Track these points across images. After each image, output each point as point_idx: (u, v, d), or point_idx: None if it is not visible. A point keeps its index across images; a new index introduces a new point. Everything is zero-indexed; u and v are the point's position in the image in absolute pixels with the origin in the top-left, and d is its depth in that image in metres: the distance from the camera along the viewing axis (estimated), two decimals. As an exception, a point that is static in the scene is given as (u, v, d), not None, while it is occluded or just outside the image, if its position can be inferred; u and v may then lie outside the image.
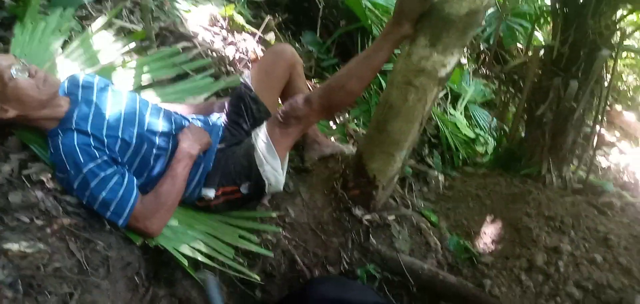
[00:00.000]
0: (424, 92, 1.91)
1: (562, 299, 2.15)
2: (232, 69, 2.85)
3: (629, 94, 6.04)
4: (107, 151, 1.71)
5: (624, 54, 5.54)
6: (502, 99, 3.15)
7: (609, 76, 2.66)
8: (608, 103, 5.36)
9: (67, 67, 2.12)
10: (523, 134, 3.06)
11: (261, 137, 2.02)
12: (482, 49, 5.27)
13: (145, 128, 1.85)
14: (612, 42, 2.60)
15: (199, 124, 2.08)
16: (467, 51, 5.23)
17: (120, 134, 1.76)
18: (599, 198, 3.14)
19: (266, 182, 2.01)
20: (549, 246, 2.33)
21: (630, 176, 4.50)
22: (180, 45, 2.65)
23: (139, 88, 2.30)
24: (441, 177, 2.95)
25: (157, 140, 1.88)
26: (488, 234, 2.48)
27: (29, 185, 1.69)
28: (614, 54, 2.57)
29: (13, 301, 1.39)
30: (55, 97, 1.75)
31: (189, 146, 1.91)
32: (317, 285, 1.82)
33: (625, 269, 2.22)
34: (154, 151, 1.87)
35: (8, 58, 1.67)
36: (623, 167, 4.67)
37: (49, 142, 1.75)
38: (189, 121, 2.05)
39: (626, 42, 3.87)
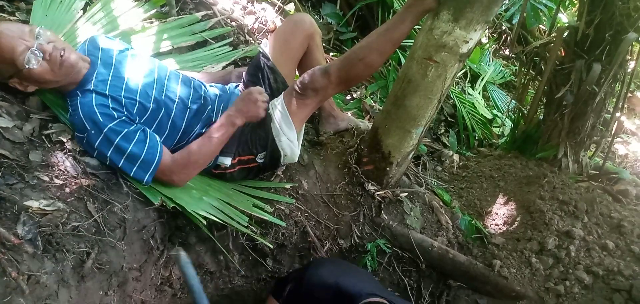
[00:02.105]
0: (445, 68, 1.89)
1: (572, 283, 2.16)
2: (251, 39, 2.84)
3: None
4: (125, 111, 1.73)
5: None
6: (522, 80, 3.10)
7: (633, 61, 2.60)
8: (630, 89, 5.26)
9: (88, 30, 2.13)
10: (541, 117, 3.02)
11: (278, 107, 2.03)
12: (503, 28, 5.17)
13: (164, 93, 1.87)
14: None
15: (217, 92, 2.08)
16: (488, 31, 5.15)
17: (138, 97, 1.78)
18: (615, 185, 3.11)
19: (282, 152, 2.02)
20: (561, 230, 2.32)
21: (648, 164, 4.43)
22: (200, 13, 2.64)
23: (158, 55, 2.31)
24: (456, 157, 2.94)
25: (175, 105, 1.89)
26: (500, 215, 2.48)
27: (49, 145, 1.72)
28: (640, 38, 2.50)
29: (33, 256, 1.43)
30: (73, 71, 1.74)
31: (235, 114, 1.91)
32: (315, 268, 1.82)
33: (637, 256, 2.21)
34: (172, 115, 1.89)
35: (23, 35, 1.63)
36: (640, 155, 4.59)
37: (68, 103, 1.78)
38: (206, 88, 2.06)
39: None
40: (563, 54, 2.77)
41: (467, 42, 1.82)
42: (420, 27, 2.14)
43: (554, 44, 2.66)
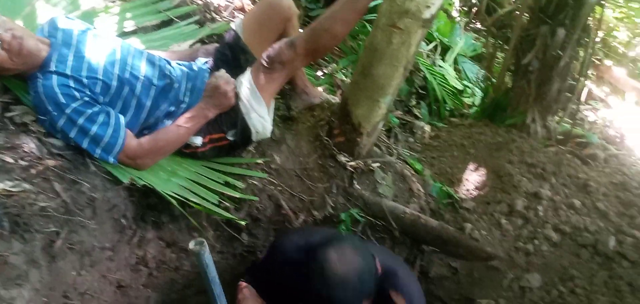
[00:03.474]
0: (408, 34, 1.91)
1: (540, 242, 2.22)
2: (218, 16, 2.82)
3: (620, 50, 6.03)
4: (87, 91, 1.71)
5: (617, 10, 5.52)
6: (490, 49, 3.14)
7: (596, 25, 2.66)
8: (599, 58, 5.38)
9: (48, 12, 2.09)
10: (509, 85, 3.07)
11: (245, 84, 2.02)
12: (474, 1, 5.22)
13: (127, 70, 1.84)
14: (601, -10, 2.60)
15: (184, 69, 2.07)
16: (459, 4, 5.19)
17: (100, 75, 1.76)
18: (584, 149, 3.19)
19: (253, 129, 2.03)
20: (529, 192, 2.39)
21: (617, 130, 4.55)
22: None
23: (122, 34, 2.28)
24: (427, 128, 2.98)
25: (140, 82, 1.88)
26: (471, 181, 2.53)
27: (12, 127, 1.70)
28: (601, 2, 2.56)
29: (0, 236, 1.42)
30: (32, 57, 1.70)
31: (207, 107, 1.93)
32: (284, 238, 1.85)
33: (602, 213, 2.29)
34: (137, 93, 1.87)
35: None
36: (610, 121, 4.71)
37: (29, 85, 1.75)
38: (172, 66, 2.04)
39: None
40: (529, 21, 2.82)
41: (429, 7, 1.85)
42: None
43: (519, 11, 2.70)
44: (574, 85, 2.99)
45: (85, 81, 1.72)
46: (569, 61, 2.72)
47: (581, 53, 2.91)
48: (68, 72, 1.70)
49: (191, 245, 1.57)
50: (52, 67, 1.70)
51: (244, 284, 1.88)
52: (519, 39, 2.82)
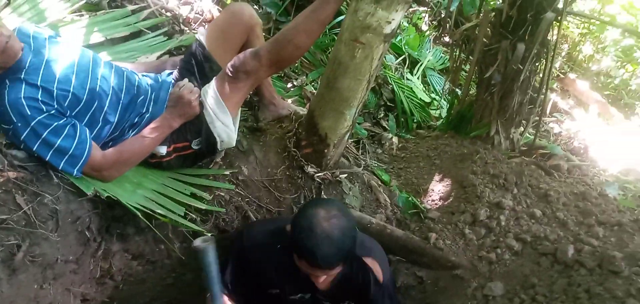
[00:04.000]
0: (371, 48, 1.96)
1: (503, 250, 2.28)
2: (187, 28, 2.83)
3: (583, 65, 6.24)
4: (55, 105, 1.70)
5: (581, 26, 5.72)
6: (455, 62, 3.23)
7: (555, 40, 2.76)
8: (564, 72, 5.56)
9: (14, 22, 2.07)
10: (474, 97, 3.16)
11: (210, 93, 2.03)
12: (443, 15, 5.35)
13: (98, 85, 1.83)
14: (559, 6, 2.70)
15: (149, 81, 2.07)
16: (428, 18, 5.31)
17: (71, 88, 1.74)
18: (548, 160, 3.30)
19: (218, 138, 2.04)
20: (492, 202, 2.45)
21: (581, 142, 4.71)
22: (131, 6, 2.61)
23: (89, 46, 2.27)
24: (395, 140, 3.04)
25: (109, 97, 1.87)
26: (436, 192, 2.59)
27: (-29, 139, 1.68)
28: (559, 17, 2.67)
29: (-44, 251, 1.40)
30: (10, 59, 1.68)
31: (171, 117, 1.93)
32: (249, 229, 1.91)
33: (562, 222, 2.36)
34: (105, 107, 1.87)
35: None
36: (574, 133, 4.87)
37: None
38: (139, 77, 2.04)
39: (576, 8, 4.00)
40: (491, 35, 2.91)
41: (390, 22, 1.90)
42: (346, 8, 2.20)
43: (481, 26, 2.80)
44: (535, 97, 3.09)
45: (55, 92, 1.70)
46: (529, 75, 2.82)
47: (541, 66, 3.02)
48: (38, 82, 1.68)
49: (198, 242, 1.59)
50: (22, 75, 1.67)
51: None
52: (481, 53, 2.91)
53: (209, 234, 1.62)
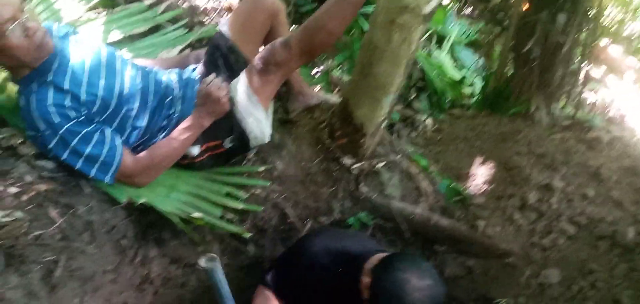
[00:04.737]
0: (409, 30, 1.83)
1: (556, 235, 2.16)
2: (206, 19, 2.73)
3: (612, 29, 5.99)
4: (83, 110, 1.60)
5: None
6: (488, 37, 3.08)
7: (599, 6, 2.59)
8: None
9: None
10: (510, 72, 3.00)
11: (240, 88, 1.93)
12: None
13: (126, 89, 1.74)
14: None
15: (175, 79, 1.98)
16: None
17: (99, 92, 1.65)
18: (587, 133, 3.14)
19: (251, 134, 1.94)
20: (540, 184, 2.32)
21: (616, 111, 4.52)
22: (149, 1, 2.51)
23: (108, 44, 2.18)
24: (429, 121, 2.90)
25: (137, 100, 1.78)
26: (479, 175, 2.46)
27: (-1, 152, 1.61)
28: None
29: (-6, 273, 1.33)
30: (42, 57, 1.58)
31: (201, 116, 1.83)
32: (314, 238, 1.78)
33: (617, 202, 2.23)
34: (134, 112, 1.78)
35: (13, 9, 1.47)
36: (609, 102, 4.67)
37: (20, 89, 1.63)
38: (164, 77, 1.95)
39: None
40: (527, 7, 2.75)
41: (430, 1, 1.76)
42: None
43: (517, -3, 2.64)
44: (574, 69, 2.93)
45: (83, 97, 1.61)
46: (570, 46, 2.65)
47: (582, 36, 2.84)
48: (66, 86, 1.59)
49: (202, 262, 1.50)
50: (50, 77, 1.58)
51: (262, 287, 1.83)
52: (517, 25, 2.75)
53: (213, 254, 1.52)
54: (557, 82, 2.75)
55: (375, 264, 1.49)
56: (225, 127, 1.91)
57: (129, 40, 2.30)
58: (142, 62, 2.01)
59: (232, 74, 1.98)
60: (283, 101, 2.40)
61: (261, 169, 2.10)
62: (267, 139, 2.01)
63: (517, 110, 2.84)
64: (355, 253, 1.63)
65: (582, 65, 2.72)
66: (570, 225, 2.16)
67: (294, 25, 3.16)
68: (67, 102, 1.59)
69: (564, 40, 2.57)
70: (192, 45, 2.45)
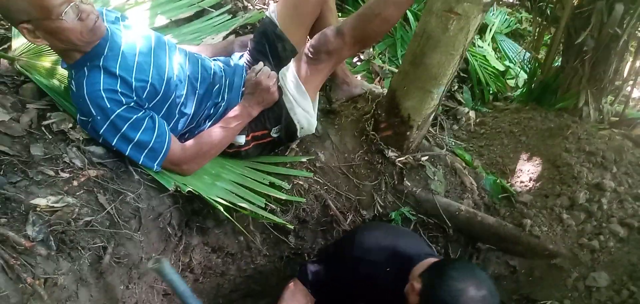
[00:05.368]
0: (467, 19, 1.75)
1: (606, 237, 2.08)
2: (250, 4, 2.69)
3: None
4: (134, 96, 1.59)
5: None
6: (537, 27, 2.96)
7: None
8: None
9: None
10: (558, 65, 2.89)
11: (289, 77, 1.89)
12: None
13: (175, 75, 1.72)
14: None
15: (221, 66, 1.95)
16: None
17: (149, 78, 1.63)
18: (632, 130, 3.01)
19: (298, 125, 1.91)
20: (590, 183, 2.23)
21: (661, 106, 4.34)
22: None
23: (154, 29, 2.16)
24: (472, 114, 2.82)
25: (185, 87, 1.76)
26: (525, 172, 2.38)
27: (50, 136, 1.61)
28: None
29: (47, 257, 1.33)
30: (96, 40, 1.56)
31: (251, 105, 1.82)
32: (367, 232, 1.74)
33: (671, 204, 2.13)
34: (182, 99, 1.76)
35: None
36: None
37: (71, 73, 1.61)
38: (212, 64, 1.92)
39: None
40: (581, -3, 2.63)
41: (491, -11, 1.69)
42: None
43: (572, -13, 2.52)
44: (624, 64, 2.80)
45: (134, 83, 1.59)
46: (627, 39, 2.53)
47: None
48: (116, 70, 1.57)
49: (150, 264, 1.45)
50: (101, 62, 1.56)
51: (297, 281, 1.81)
52: (570, 16, 2.64)
53: (158, 256, 1.47)
54: (609, 77, 2.63)
55: (427, 269, 1.45)
56: (273, 117, 1.88)
57: (174, 25, 2.28)
58: (186, 48, 1.98)
59: (279, 63, 1.95)
60: (326, 90, 2.36)
61: (304, 159, 2.06)
62: (313, 129, 1.98)
63: (565, 104, 2.73)
64: (407, 254, 1.59)
65: (638, 59, 2.59)
66: (621, 227, 2.07)
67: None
68: (118, 87, 1.57)
69: (620, 33, 2.45)
70: (237, 32, 2.42)
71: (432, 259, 1.52)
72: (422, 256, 1.55)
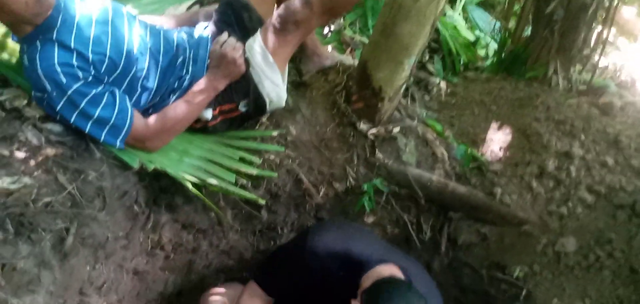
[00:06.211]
0: (438, -11, 1.73)
1: (574, 204, 2.12)
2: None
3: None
4: (91, 70, 1.52)
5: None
6: (507, -2, 2.96)
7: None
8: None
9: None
10: (528, 35, 2.90)
11: (256, 48, 1.84)
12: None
13: (135, 46, 1.65)
14: None
15: (185, 38, 1.88)
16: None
17: (107, 51, 1.55)
18: (600, 98, 3.06)
19: (267, 98, 1.87)
20: (559, 151, 2.25)
21: (628, 75, 4.42)
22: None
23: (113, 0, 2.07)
24: (443, 84, 2.80)
25: (147, 60, 1.69)
26: (496, 141, 2.39)
27: (3, 114, 1.53)
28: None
29: (4, 241, 1.28)
30: (44, 12, 1.48)
31: (216, 78, 1.76)
32: (318, 235, 1.67)
33: (638, 171, 2.17)
34: (143, 72, 1.69)
35: None
36: (620, 66, 4.57)
37: (23, 48, 1.54)
38: (175, 36, 1.85)
39: None
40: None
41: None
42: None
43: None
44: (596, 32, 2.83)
45: (90, 56, 1.51)
46: (596, 8, 2.55)
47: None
48: (72, 44, 1.49)
49: None
50: (54, 35, 1.48)
51: (253, 283, 1.78)
52: (540, -15, 2.64)
53: None
54: (579, 46, 2.65)
55: (365, 290, 1.42)
56: (241, 90, 1.83)
57: (135, -5, 2.18)
58: (148, 19, 1.89)
59: (245, 34, 1.88)
60: (296, 62, 2.31)
61: (275, 133, 2.02)
62: (283, 103, 1.94)
63: (534, 74, 2.75)
64: (358, 260, 1.56)
65: (605, 28, 2.61)
66: (588, 194, 2.11)
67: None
68: (74, 61, 1.50)
69: (589, 2, 2.46)
70: (201, 1, 2.34)
71: (383, 267, 1.49)
72: (373, 262, 1.51)
